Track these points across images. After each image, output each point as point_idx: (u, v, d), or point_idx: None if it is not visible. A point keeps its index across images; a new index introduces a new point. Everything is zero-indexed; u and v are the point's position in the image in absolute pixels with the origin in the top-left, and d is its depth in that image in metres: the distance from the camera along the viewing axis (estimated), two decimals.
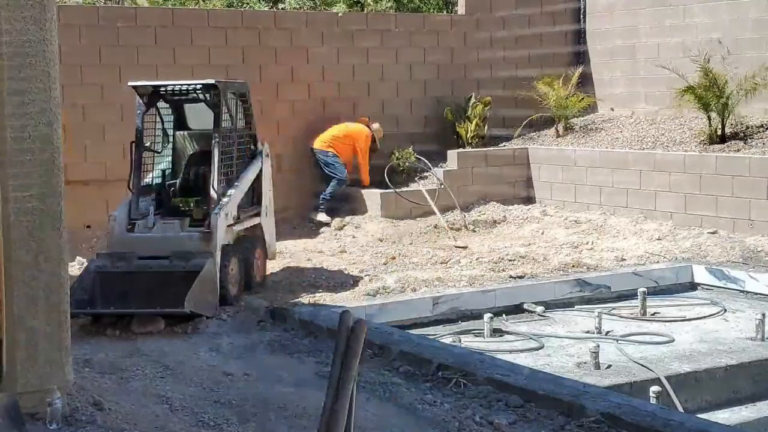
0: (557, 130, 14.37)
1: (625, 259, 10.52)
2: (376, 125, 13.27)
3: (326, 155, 12.76)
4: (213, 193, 8.55)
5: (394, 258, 10.79)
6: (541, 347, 7.91)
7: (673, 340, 8.03)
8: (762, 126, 12.45)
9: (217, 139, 8.72)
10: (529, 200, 13.72)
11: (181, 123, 9.52)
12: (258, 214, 9.45)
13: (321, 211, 12.57)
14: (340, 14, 14.68)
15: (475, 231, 12.51)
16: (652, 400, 6.37)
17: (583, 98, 14.27)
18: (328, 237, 11.96)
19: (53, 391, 4.71)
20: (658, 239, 11.38)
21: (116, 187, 11.40)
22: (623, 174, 12.64)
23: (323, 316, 7.65)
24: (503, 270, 10.00)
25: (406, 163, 13.51)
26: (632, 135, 13.70)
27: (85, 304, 7.82)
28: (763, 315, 8.23)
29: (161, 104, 9.29)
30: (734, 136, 12.40)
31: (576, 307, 9.29)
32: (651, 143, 13.15)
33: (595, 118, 14.84)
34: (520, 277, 9.72)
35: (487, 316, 8.42)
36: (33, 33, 4.60)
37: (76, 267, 9.97)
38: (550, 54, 15.08)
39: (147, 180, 9.14)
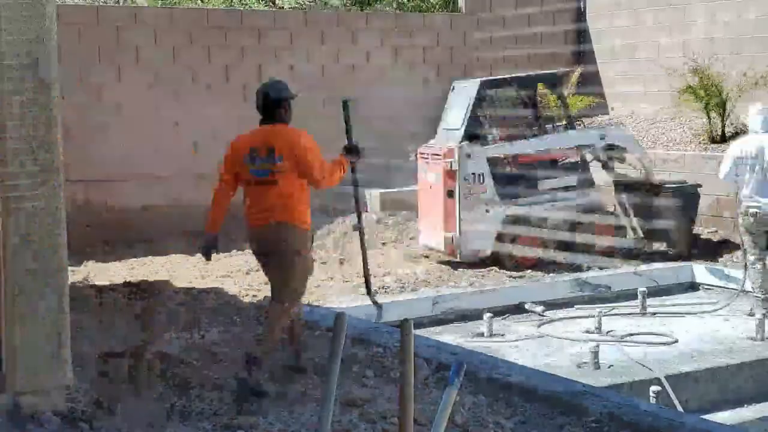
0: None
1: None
2: None
3: None
4: None
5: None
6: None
7: (677, 341, 8.02)
8: None
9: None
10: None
11: None
12: None
13: None
14: (339, 8, 14.64)
15: None
16: (652, 400, 6.37)
17: (582, 98, 14.27)
18: (328, 237, 11.96)
19: (53, 391, 4.71)
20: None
21: (116, 186, 11.43)
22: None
23: (323, 315, 7.65)
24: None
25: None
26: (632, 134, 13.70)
27: None
28: (763, 315, 8.24)
29: None
30: (734, 135, 12.39)
31: (576, 306, 9.29)
32: (651, 143, 13.15)
33: (595, 117, 14.84)
34: (521, 277, 9.72)
35: (487, 315, 8.43)
36: (33, 33, 4.60)
37: (77, 268, 9.99)
38: (550, 54, 15.08)
39: None
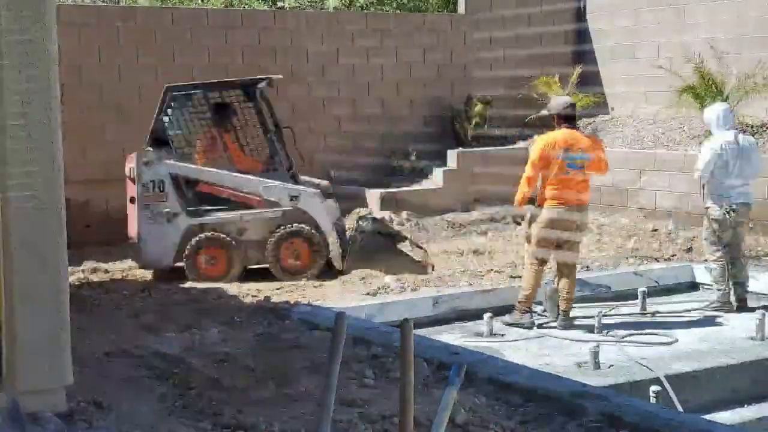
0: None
1: (625, 259, 10.52)
2: None
3: None
4: None
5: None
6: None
7: (677, 341, 8.02)
8: (762, 125, 12.45)
9: None
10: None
11: None
12: None
13: None
14: (331, 9, 14.67)
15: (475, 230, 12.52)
16: (652, 400, 6.37)
17: (582, 98, 14.27)
18: None
19: (53, 391, 4.71)
20: (658, 239, 11.38)
21: (116, 187, 11.39)
22: (623, 174, 12.63)
23: (323, 315, 7.65)
24: (503, 270, 10.01)
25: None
26: (632, 135, 13.70)
27: None
28: (763, 315, 8.23)
29: None
30: None
31: (575, 306, 9.27)
32: (651, 143, 13.15)
33: (595, 117, 14.84)
34: (520, 277, 9.70)
35: (487, 315, 8.42)
36: (33, 33, 4.60)
37: (79, 267, 9.99)
38: (550, 54, 15.08)
39: None
